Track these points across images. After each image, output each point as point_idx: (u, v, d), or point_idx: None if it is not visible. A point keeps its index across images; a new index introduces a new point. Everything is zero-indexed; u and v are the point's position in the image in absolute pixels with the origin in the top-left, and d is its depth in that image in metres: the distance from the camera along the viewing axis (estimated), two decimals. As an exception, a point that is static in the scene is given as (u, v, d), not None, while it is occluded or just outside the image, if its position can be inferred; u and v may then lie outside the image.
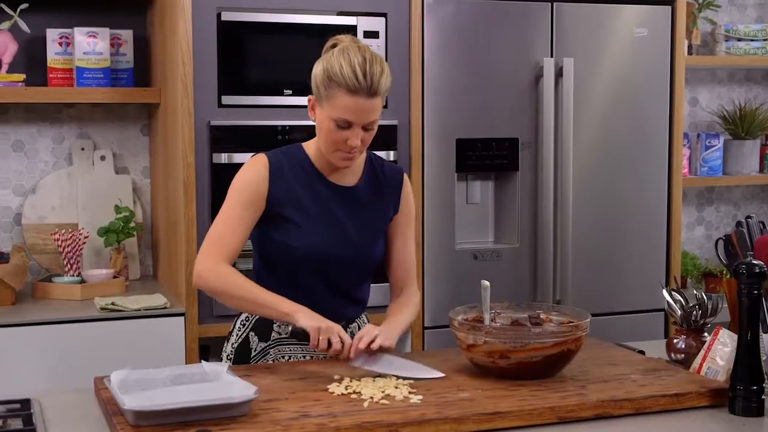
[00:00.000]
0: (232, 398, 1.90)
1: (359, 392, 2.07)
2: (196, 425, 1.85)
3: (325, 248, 2.36)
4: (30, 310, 3.31)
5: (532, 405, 1.99)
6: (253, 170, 2.36)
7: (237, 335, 2.48)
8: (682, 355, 2.38)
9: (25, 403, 2.03)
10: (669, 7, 3.85)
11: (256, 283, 2.36)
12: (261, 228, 2.39)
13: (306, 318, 2.21)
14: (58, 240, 3.56)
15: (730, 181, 4.46)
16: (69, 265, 3.58)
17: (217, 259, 2.31)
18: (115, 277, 3.59)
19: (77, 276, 3.58)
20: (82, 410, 2.06)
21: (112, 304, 3.27)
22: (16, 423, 1.93)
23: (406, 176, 2.51)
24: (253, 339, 2.44)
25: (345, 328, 2.43)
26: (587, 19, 3.74)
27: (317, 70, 2.27)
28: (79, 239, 3.60)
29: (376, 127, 2.29)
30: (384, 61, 2.26)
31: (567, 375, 2.22)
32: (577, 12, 3.72)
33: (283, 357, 2.43)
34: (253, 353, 2.43)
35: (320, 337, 2.18)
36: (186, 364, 3.15)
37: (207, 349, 3.56)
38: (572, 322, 2.25)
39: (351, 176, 2.42)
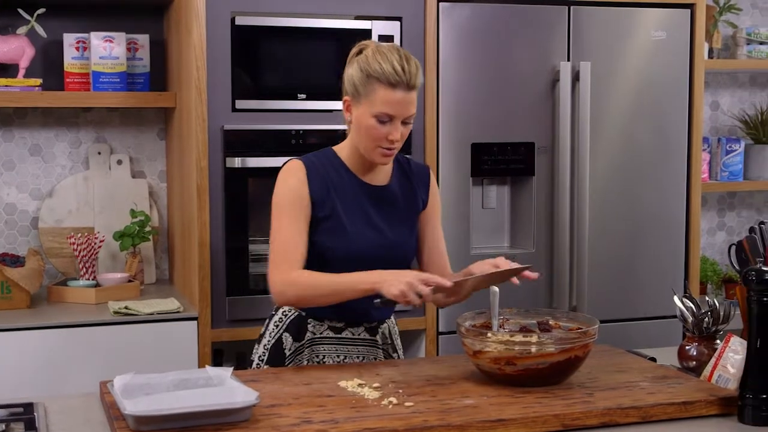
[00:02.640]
0: (234, 403, 1.90)
1: (364, 395, 2.08)
2: (197, 430, 1.85)
3: (363, 249, 2.40)
4: (44, 313, 3.32)
5: (537, 412, 1.97)
6: (291, 176, 2.40)
7: (270, 335, 2.49)
8: (694, 363, 2.35)
9: (29, 407, 2.04)
10: (688, 10, 3.81)
11: None
12: None
13: (387, 287, 2.20)
14: (73, 244, 3.57)
15: (751, 186, 4.39)
16: (84, 269, 3.59)
17: (286, 272, 2.34)
18: (130, 281, 3.60)
19: (92, 280, 3.59)
20: (86, 414, 2.06)
21: (125, 308, 3.27)
22: (19, 427, 1.93)
23: (432, 172, 2.61)
24: (287, 339, 2.46)
25: (376, 329, 2.50)
26: (604, 23, 3.71)
27: (353, 70, 2.37)
28: (95, 243, 3.61)
29: (412, 123, 2.39)
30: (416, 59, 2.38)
31: (575, 382, 2.19)
32: (595, 15, 3.69)
33: (317, 357, 2.45)
34: (288, 353, 2.45)
35: (405, 300, 2.19)
36: (199, 368, 3.15)
37: (220, 354, 3.56)
38: (580, 329, 2.23)
39: (383, 176, 2.50)
